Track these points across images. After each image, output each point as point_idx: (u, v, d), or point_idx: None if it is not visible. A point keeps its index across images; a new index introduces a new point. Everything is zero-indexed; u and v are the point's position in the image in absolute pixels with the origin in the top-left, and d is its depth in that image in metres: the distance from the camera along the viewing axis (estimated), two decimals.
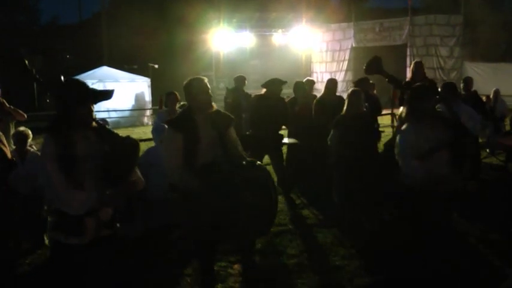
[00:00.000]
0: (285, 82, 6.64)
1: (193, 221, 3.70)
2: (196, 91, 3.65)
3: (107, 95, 2.92)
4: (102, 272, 2.95)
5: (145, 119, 18.74)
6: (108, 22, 24.70)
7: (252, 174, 3.58)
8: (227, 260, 4.55)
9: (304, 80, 8.06)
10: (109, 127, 3.12)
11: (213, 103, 3.75)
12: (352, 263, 4.55)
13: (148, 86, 18.98)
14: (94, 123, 2.92)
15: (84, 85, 2.91)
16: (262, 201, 3.52)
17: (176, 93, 6.82)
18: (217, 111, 3.87)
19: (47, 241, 5.25)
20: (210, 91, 3.70)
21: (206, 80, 3.72)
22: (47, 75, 3.05)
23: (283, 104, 6.71)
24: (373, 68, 5.92)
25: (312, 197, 6.78)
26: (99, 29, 24.95)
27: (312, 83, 8.44)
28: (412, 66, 6.71)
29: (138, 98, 18.65)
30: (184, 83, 3.71)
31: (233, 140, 3.81)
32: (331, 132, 5.66)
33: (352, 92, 5.59)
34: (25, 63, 2.95)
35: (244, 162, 3.64)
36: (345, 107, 5.59)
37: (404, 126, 3.99)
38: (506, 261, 4.50)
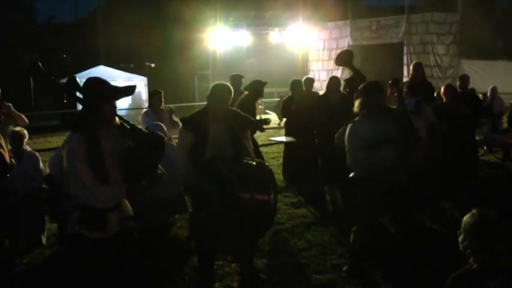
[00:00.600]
0: (265, 83, 7.05)
1: (196, 218, 3.75)
2: (212, 97, 3.74)
3: (128, 91, 2.95)
4: (115, 266, 3.01)
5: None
6: (104, 21, 24.57)
7: (256, 173, 3.59)
8: (225, 259, 4.55)
9: (303, 79, 8.03)
10: None
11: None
12: (350, 262, 4.54)
13: (145, 85, 18.93)
14: (117, 120, 2.95)
15: (106, 83, 2.95)
16: (263, 202, 3.51)
17: (161, 91, 6.87)
18: (236, 112, 3.93)
19: (44, 240, 5.25)
20: (228, 99, 3.76)
21: (228, 87, 3.78)
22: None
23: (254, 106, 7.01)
24: (342, 60, 5.98)
25: (309, 195, 6.77)
26: (96, 28, 24.82)
27: (312, 81, 8.42)
28: (411, 67, 6.85)
29: (135, 97, 18.57)
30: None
31: (247, 142, 3.87)
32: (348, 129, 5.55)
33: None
34: (40, 67, 2.95)
35: (253, 162, 3.66)
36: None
37: (356, 119, 4.16)
38: None
